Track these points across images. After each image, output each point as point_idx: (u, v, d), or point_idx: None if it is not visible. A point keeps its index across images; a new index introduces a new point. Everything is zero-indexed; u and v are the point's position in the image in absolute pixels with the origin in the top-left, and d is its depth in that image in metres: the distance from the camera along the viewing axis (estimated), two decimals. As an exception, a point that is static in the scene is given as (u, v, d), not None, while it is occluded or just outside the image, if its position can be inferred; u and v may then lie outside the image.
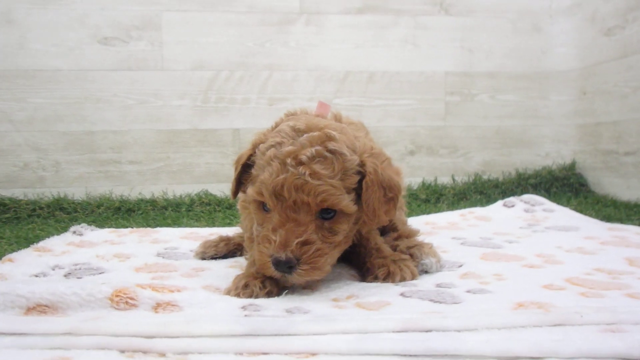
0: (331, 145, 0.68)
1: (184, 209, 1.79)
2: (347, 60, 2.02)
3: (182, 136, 1.92)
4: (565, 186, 2.02)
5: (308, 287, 0.74)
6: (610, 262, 0.81)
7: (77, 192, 1.84)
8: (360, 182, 0.71)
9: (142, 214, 1.75)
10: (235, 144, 1.95)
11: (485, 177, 2.10)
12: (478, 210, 1.38)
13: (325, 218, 0.69)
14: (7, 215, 1.63)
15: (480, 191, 2.00)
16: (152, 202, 1.82)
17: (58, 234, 1.20)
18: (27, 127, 1.81)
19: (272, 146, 0.69)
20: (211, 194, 1.89)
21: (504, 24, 2.11)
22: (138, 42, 1.85)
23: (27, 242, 1.19)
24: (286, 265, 0.66)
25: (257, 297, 0.69)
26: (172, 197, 1.88)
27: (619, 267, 0.78)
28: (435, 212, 1.53)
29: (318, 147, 0.67)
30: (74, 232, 1.16)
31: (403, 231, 0.92)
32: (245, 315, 0.60)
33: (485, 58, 2.11)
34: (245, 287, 0.70)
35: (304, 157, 0.66)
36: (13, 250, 1.06)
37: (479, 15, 2.09)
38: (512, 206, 1.36)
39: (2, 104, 1.79)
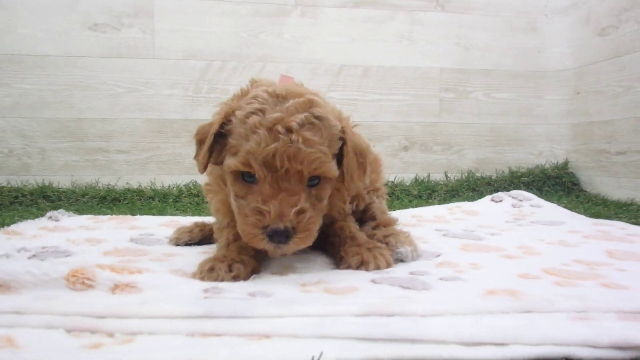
0: (317, 111, 0.67)
1: (171, 200, 1.77)
2: (342, 53, 2.00)
3: (173, 126, 1.90)
4: (558, 185, 2.00)
5: (278, 273, 0.72)
6: (590, 254, 0.79)
7: (62, 181, 1.82)
8: (340, 148, 0.70)
9: (127, 203, 1.73)
10: (225, 135, 1.93)
11: (478, 174, 2.08)
12: (465, 205, 1.36)
13: (311, 185, 0.68)
14: (-11, 201, 1.61)
15: (473, 188, 1.98)
16: (139, 192, 1.80)
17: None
18: (12, 113, 1.79)
19: (253, 113, 0.66)
20: (200, 185, 1.87)
21: (500, 22, 2.09)
22: (129, 29, 1.83)
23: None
24: (284, 235, 0.64)
25: (222, 280, 0.67)
26: (160, 188, 1.86)
27: (598, 259, 0.76)
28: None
29: (306, 114, 0.65)
30: (50, 217, 1.14)
31: (381, 220, 0.90)
32: (205, 298, 0.58)
33: (481, 55, 2.09)
34: (211, 271, 0.68)
35: (294, 124, 0.64)
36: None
37: (475, 12, 2.07)
38: (500, 201, 1.34)
39: (-12, 89, 1.77)
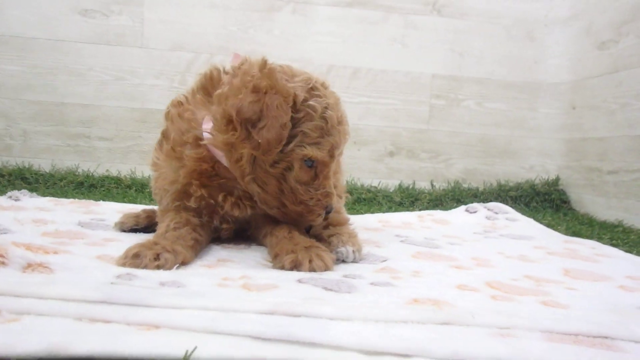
0: None
1: (147, 190, 1.75)
2: (332, 53, 1.97)
3: (156, 116, 1.89)
4: (546, 202, 1.94)
5: (207, 265, 0.69)
6: (545, 270, 0.75)
7: (43, 164, 1.81)
8: None
9: (104, 190, 1.72)
10: (208, 128, 1.91)
11: (465, 185, 2.03)
12: (438, 214, 1.32)
13: None
14: (-37, 180, 1.60)
15: (458, 199, 1.92)
16: (117, 180, 1.78)
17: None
18: (-4, 93, 1.78)
19: (327, 108, 0.75)
20: (178, 177, 1.85)
21: (497, 29, 2.05)
22: (119, 16, 1.83)
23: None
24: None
25: (145, 268, 0.64)
26: (139, 177, 1.84)
27: (551, 276, 0.71)
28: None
29: None
30: (10, 197, 1.12)
31: (332, 219, 0.86)
32: (112, 284, 0.55)
33: (475, 63, 2.05)
34: (135, 257, 0.65)
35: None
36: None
37: (472, 18, 2.03)
38: (475, 212, 1.30)
39: (-27, 68, 1.77)
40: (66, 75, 1.81)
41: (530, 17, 2.05)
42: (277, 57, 2.00)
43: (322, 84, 0.77)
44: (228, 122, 0.72)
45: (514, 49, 2.05)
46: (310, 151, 0.73)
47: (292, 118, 0.72)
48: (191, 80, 1.89)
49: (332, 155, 0.76)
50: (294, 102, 0.72)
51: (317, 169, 0.76)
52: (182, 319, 0.47)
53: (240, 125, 0.70)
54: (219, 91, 0.74)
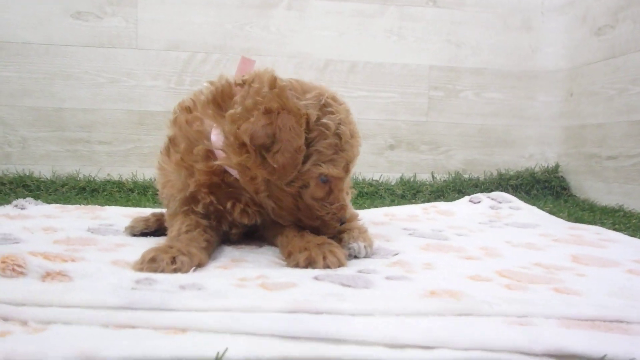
0: None
1: (150, 193, 1.75)
2: (328, 48, 1.97)
3: (155, 118, 1.88)
4: (547, 189, 1.96)
5: (222, 266, 0.70)
6: (554, 258, 0.76)
7: (43, 170, 1.80)
8: None
9: (107, 195, 1.71)
10: (208, 128, 1.90)
11: (466, 176, 2.04)
12: (442, 205, 1.33)
13: None
14: (-35, 189, 1.59)
15: (459, 190, 1.94)
16: (119, 184, 1.78)
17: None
18: (-7, 100, 1.77)
19: (340, 124, 0.74)
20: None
21: (493, 19, 2.05)
22: (112, 18, 1.81)
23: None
24: None
25: (162, 271, 0.64)
26: (141, 180, 1.84)
27: (560, 263, 0.73)
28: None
29: None
30: (16, 206, 1.12)
31: (342, 216, 0.87)
32: (132, 289, 0.55)
33: (472, 53, 2.05)
34: (152, 261, 0.65)
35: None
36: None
37: (468, 8, 2.03)
38: (478, 202, 1.31)
39: (-32, 76, 1.75)
40: (62, 79, 1.80)
41: (526, 6, 2.05)
42: (274, 54, 2.01)
43: (333, 98, 0.77)
44: (241, 145, 0.72)
45: (511, 38, 2.05)
46: (326, 169, 0.74)
47: (305, 138, 0.72)
48: (188, 81, 1.90)
49: (347, 170, 0.77)
50: (307, 122, 0.72)
51: (332, 184, 0.77)
52: (208, 320, 0.47)
53: (255, 151, 0.71)
54: (231, 111, 0.74)
